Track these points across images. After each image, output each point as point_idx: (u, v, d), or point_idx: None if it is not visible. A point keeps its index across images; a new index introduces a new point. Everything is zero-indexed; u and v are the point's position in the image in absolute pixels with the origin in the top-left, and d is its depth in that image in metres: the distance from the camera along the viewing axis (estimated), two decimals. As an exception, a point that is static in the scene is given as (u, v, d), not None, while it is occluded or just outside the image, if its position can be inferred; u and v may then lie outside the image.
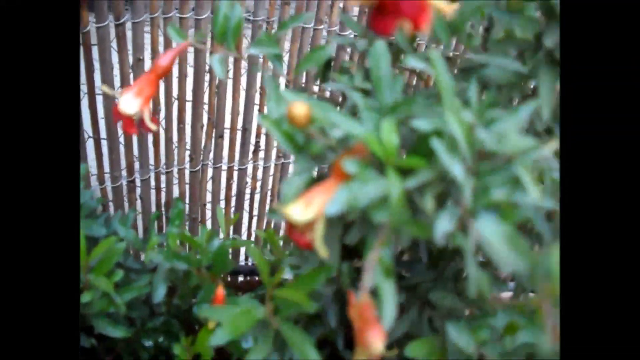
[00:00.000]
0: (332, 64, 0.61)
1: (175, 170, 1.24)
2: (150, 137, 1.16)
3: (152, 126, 0.54)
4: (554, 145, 0.37)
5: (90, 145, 1.10)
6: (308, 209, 0.40)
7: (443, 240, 0.37)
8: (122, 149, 1.13)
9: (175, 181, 1.25)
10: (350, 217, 0.46)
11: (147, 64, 1.05)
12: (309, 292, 0.48)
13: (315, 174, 0.45)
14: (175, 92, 1.12)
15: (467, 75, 0.50)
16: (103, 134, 1.09)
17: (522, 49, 0.48)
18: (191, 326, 0.74)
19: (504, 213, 0.33)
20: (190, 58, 1.11)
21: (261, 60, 1.14)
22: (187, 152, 1.23)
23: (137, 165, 1.17)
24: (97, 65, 1.01)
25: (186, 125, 1.18)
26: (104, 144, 1.10)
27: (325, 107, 0.40)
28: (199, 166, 1.23)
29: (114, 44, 1.01)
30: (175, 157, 1.22)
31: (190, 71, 1.11)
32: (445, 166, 0.36)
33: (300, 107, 0.40)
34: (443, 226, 0.35)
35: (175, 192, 1.28)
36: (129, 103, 0.52)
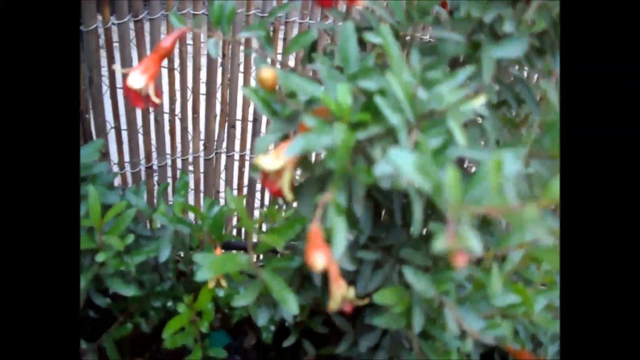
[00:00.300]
0: (316, 47, 0.68)
1: (190, 158, 1.33)
2: (167, 127, 1.25)
3: (156, 100, 0.62)
4: (481, 100, 0.43)
5: (112, 134, 1.19)
6: (276, 159, 0.47)
7: (387, 184, 0.44)
8: (140, 137, 1.22)
9: (191, 168, 1.33)
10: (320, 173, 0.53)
11: (164, 58, 1.14)
12: (285, 240, 0.55)
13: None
14: (190, 84, 1.21)
15: (430, 51, 0.57)
16: (124, 124, 1.19)
17: (474, 27, 0.54)
18: (196, 290, 0.81)
19: (419, 146, 0.39)
20: (204, 59, 1.20)
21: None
22: (202, 142, 1.31)
23: (154, 153, 1.26)
24: (118, 60, 1.10)
25: (200, 115, 1.26)
26: (124, 133, 1.20)
27: (290, 76, 0.47)
28: (213, 154, 1.32)
29: (134, 40, 1.10)
30: (190, 146, 1.30)
31: (204, 64, 1.20)
32: (387, 118, 0.43)
33: (267, 71, 0.47)
34: (381, 169, 0.41)
35: (191, 179, 1.37)
36: (136, 79, 0.60)
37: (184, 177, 0.89)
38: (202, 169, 1.34)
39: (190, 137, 1.29)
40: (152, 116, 1.21)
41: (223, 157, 1.35)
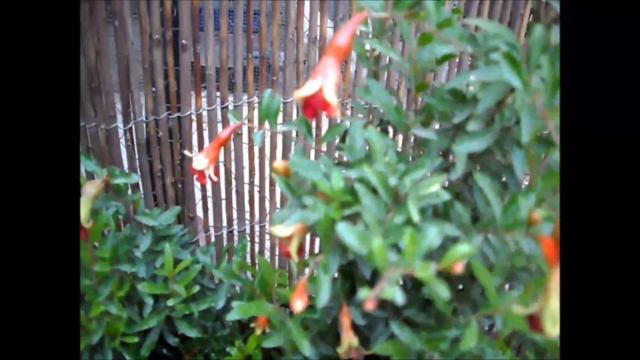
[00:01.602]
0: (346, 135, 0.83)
1: (267, 224, 1.50)
2: (246, 196, 1.44)
3: (214, 178, 0.80)
4: (436, 186, 0.54)
5: (199, 202, 1.41)
6: (286, 228, 0.61)
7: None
8: (223, 204, 1.42)
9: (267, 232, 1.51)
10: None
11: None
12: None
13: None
14: (267, 159, 1.40)
15: (422, 143, 0.69)
16: (209, 192, 1.40)
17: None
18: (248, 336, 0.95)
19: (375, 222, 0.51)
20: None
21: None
22: (277, 209, 1.49)
23: (235, 219, 1.46)
24: (206, 139, 1.33)
25: (276, 186, 1.45)
26: (210, 201, 1.41)
27: (297, 164, 0.62)
28: (285, 221, 1.49)
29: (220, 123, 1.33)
30: (267, 213, 1.48)
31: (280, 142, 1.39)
32: (363, 201, 0.56)
33: (277, 164, 0.62)
34: (349, 240, 0.53)
35: (267, 244, 1.54)
36: (200, 162, 0.79)
37: (243, 241, 1.05)
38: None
39: (267, 205, 1.48)
40: (233, 186, 1.41)
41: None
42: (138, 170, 1.29)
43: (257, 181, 1.43)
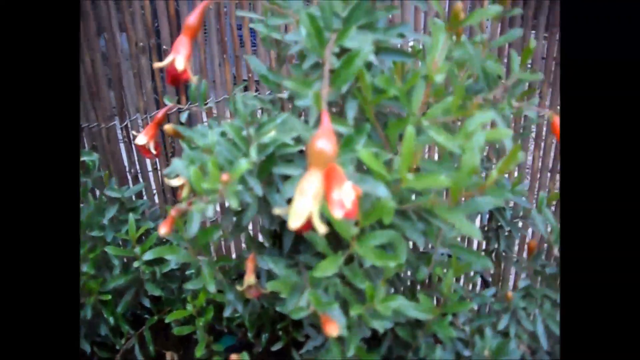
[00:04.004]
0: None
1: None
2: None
3: (154, 152, 0.95)
4: (273, 129, 0.66)
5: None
6: (177, 180, 0.74)
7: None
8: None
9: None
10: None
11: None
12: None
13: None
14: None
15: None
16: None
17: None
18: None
19: None
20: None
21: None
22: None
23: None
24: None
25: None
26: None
27: (188, 130, 0.76)
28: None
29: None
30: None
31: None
32: (217, 148, 0.68)
33: (168, 127, 0.76)
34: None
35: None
36: (141, 139, 0.94)
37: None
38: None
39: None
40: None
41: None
42: (137, 163, 1.48)
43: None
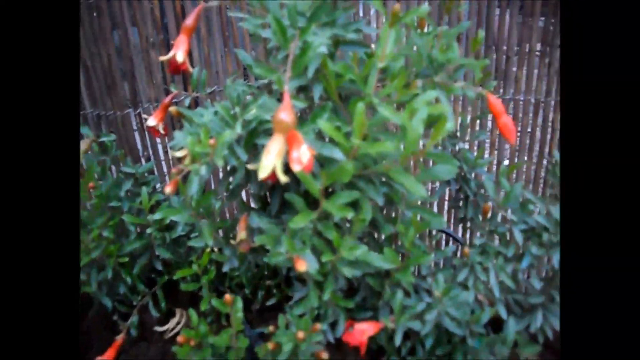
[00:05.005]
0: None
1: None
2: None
3: (162, 132, 1.11)
4: (255, 108, 0.82)
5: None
6: (181, 151, 0.91)
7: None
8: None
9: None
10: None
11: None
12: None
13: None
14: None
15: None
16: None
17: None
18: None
19: None
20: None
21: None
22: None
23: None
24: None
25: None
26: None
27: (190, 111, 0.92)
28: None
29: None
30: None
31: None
32: (209, 123, 0.84)
33: (172, 109, 0.92)
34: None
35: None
36: (151, 121, 1.10)
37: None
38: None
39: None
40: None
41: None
42: (149, 147, 1.65)
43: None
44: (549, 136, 1.67)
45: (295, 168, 0.64)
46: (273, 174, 0.64)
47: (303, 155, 0.65)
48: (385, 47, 0.77)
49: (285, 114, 0.64)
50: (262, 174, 0.63)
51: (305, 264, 0.81)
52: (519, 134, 1.73)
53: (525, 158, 1.74)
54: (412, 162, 0.93)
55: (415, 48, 0.87)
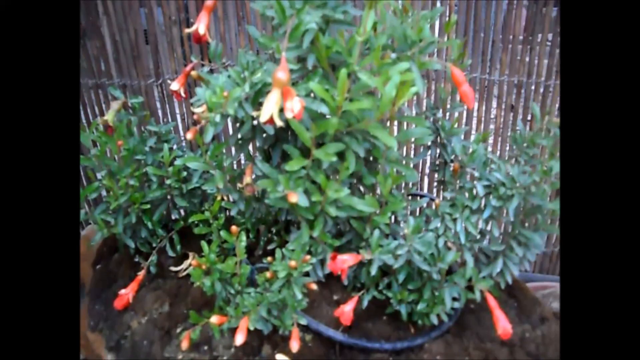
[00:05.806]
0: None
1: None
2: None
3: (183, 95, 1.31)
4: (259, 73, 1.01)
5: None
6: (200, 107, 1.11)
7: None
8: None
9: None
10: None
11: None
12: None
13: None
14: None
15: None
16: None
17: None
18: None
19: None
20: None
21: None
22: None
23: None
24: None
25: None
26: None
27: (208, 76, 1.12)
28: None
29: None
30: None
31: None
32: (225, 85, 1.04)
33: (194, 73, 1.12)
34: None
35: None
36: (174, 85, 1.30)
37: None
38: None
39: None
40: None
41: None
42: (168, 114, 1.85)
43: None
44: (529, 113, 1.86)
45: (288, 115, 0.84)
46: (271, 119, 0.83)
47: (295, 105, 0.84)
48: (366, 25, 0.96)
49: (282, 72, 0.83)
50: (263, 118, 0.83)
51: (296, 197, 1.01)
52: (502, 111, 1.92)
53: (509, 132, 1.93)
54: (388, 123, 1.12)
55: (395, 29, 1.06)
